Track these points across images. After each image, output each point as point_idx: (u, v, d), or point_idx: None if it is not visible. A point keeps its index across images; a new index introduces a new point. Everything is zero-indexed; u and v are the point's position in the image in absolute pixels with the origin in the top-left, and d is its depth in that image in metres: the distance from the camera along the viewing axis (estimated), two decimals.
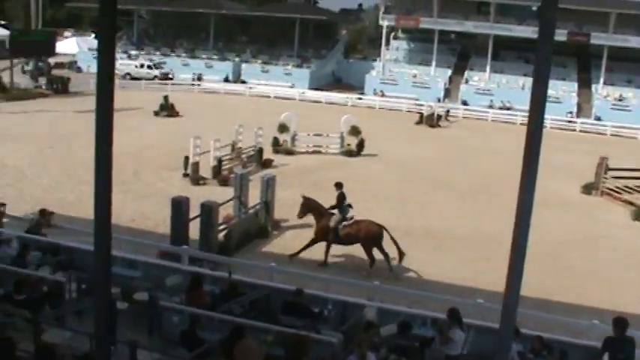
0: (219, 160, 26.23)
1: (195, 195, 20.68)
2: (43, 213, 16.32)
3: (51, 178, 24.98)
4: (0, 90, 46.27)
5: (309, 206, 17.28)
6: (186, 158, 25.65)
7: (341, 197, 17.23)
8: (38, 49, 50.31)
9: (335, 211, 17.10)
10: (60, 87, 51.04)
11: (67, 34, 78.23)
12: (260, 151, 29.37)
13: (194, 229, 16.88)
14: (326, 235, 17.01)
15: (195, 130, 29.93)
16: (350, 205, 17.21)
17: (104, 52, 5.68)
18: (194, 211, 17.13)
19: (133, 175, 25.85)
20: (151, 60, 65.15)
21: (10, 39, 50.52)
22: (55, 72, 57.51)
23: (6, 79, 47.47)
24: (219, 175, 25.66)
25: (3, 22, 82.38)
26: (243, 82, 62.83)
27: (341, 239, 16.95)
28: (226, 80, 62.59)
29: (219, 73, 64.00)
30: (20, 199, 21.67)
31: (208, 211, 16.79)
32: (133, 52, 67.97)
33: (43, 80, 52.24)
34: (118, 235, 12.37)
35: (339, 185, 17.43)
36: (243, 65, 65.75)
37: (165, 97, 43.25)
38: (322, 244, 17.07)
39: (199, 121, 39.73)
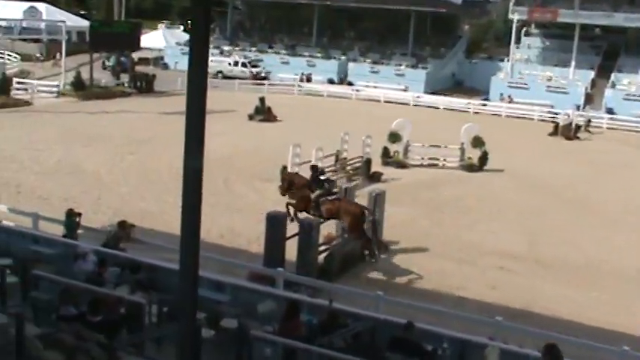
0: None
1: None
2: (123, 225, 16.77)
3: (131, 187, 25.88)
4: (78, 87, 48.43)
5: (289, 180, 19.65)
6: (284, 168, 25.83)
7: (314, 176, 19.30)
8: (121, 43, 52.27)
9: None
10: (144, 85, 53.03)
11: (160, 26, 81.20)
12: (368, 162, 29.30)
13: (291, 249, 17.04)
14: (306, 205, 18.80)
15: (294, 137, 30.32)
16: (329, 180, 19.97)
17: (196, 46, 5.67)
18: (291, 228, 17.20)
19: (223, 185, 26.34)
20: (245, 57, 66.55)
21: (89, 31, 52.91)
22: (139, 68, 59.83)
23: (85, 76, 49.59)
24: None
25: (82, 12, 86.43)
26: (350, 83, 63.09)
27: (320, 212, 18.57)
28: (331, 82, 62.99)
29: (322, 72, 64.54)
30: (97, 208, 22.56)
31: (308, 229, 16.81)
32: (226, 48, 69.62)
33: (125, 77, 54.30)
34: (205, 252, 12.38)
35: (313, 168, 19.89)
36: (350, 64, 66.00)
37: (261, 100, 44.02)
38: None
39: (299, 126, 40.25)
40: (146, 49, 68.10)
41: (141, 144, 33.58)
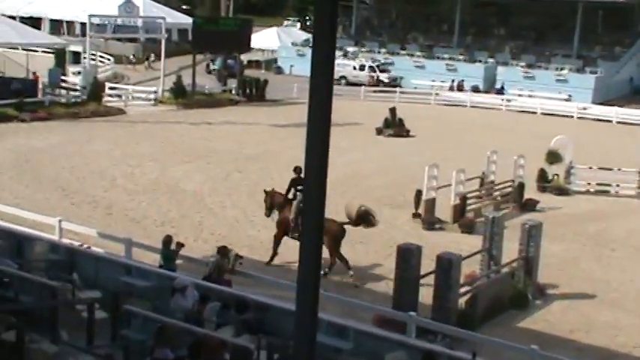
0: (463, 198, 26.15)
1: (429, 243, 20.88)
2: (224, 251, 17.12)
3: (238, 210, 26.51)
4: (178, 94, 49.98)
5: (272, 201, 20.70)
6: (418, 193, 25.77)
7: (292, 183, 20.35)
8: (228, 43, 53.30)
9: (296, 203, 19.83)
10: (254, 92, 54.20)
11: (286, 22, 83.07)
12: (520, 187, 28.85)
13: (426, 290, 17.00)
14: (287, 228, 20.02)
15: (430, 156, 30.38)
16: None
17: (320, 47, 5.70)
18: (426, 265, 17.16)
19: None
20: (373, 60, 67.06)
21: (192, 29, 54.56)
22: (249, 72, 61.09)
23: (186, 81, 51.11)
24: (463, 218, 25.67)
25: (184, 7, 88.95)
26: (500, 91, 62.40)
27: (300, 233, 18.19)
28: (475, 89, 62.47)
29: (465, 78, 64.09)
30: (198, 234, 23.23)
31: (447, 266, 16.69)
32: (351, 50, 70.48)
33: (232, 83, 55.54)
34: (324, 291, 12.59)
35: (297, 169, 20.00)
36: (500, 69, 65.30)
37: (392, 111, 44.10)
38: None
39: (436, 143, 40.29)
40: (257, 50, 69.90)
41: (250, 161, 34.32)
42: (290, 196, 20.62)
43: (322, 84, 5.79)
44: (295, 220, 19.75)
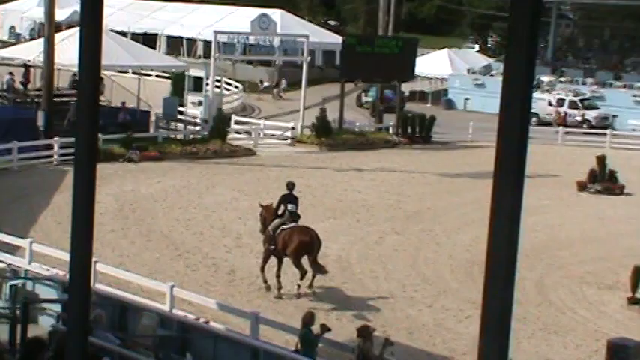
0: None
1: None
2: (365, 332, 16.93)
3: (394, 283, 26.57)
4: (322, 132, 50.22)
5: (264, 217, 25.62)
6: (637, 271, 25.13)
7: (282, 199, 25.43)
8: (386, 69, 53.11)
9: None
10: (418, 132, 54.10)
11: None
12: None
13: None
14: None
15: None
16: (293, 213, 25.14)
17: (515, 74, 5.62)
18: None
19: (534, 289, 26.33)
20: (575, 93, 65.85)
21: (342, 50, 55.31)
22: (411, 106, 61.63)
23: (332, 115, 51.62)
24: None
25: (333, 22, 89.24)
26: None
27: (276, 244, 24.68)
28: None
29: None
30: (342, 312, 23.35)
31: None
32: (545, 79, 69.59)
33: (390, 120, 55.56)
34: None
35: (289, 185, 25.58)
36: None
37: (601, 160, 43.07)
38: None
39: None
40: (422, 78, 69.87)
41: (410, 220, 34.31)
42: (280, 212, 25.24)
43: (515, 123, 5.74)
44: (274, 229, 24.83)
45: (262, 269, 24.94)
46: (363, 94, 66.25)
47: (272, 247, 24.72)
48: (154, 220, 31.97)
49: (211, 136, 46.16)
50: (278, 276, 24.55)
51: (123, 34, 65.13)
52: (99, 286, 20.50)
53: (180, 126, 49.41)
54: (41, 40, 45.91)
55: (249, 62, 64.29)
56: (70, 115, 42.24)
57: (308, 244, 24.40)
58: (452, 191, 39.77)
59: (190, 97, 53.24)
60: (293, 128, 51.19)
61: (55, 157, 40.62)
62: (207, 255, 27.90)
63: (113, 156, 40.79)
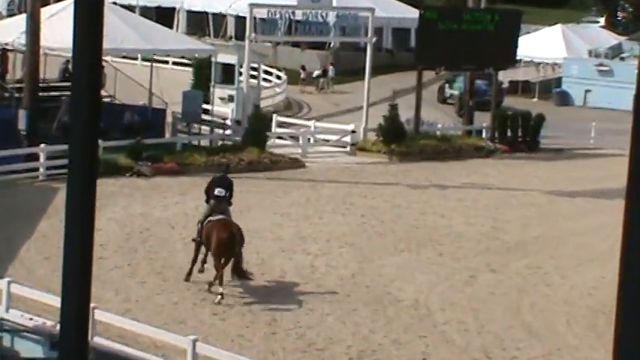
0: None
1: None
2: None
3: (490, 338, 26.38)
4: (392, 137, 50.10)
5: None
6: None
7: (210, 184, 29.44)
8: (478, 52, 52.80)
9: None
10: (521, 136, 54.09)
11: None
12: None
13: None
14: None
15: None
16: (219, 197, 28.80)
17: None
18: None
19: None
20: None
21: (418, 27, 55.37)
22: (510, 102, 61.76)
23: (406, 114, 51.77)
24: None
25: None
26: None
27: (201, 236, 28.58)
28: None
29: None
30: None
31: None
32: None
33: (484, 120, 55.58)
34: None
35: (221, 166, 30.63)
36: None
37: None
38: None
39: None
40: (527, 63, 70.09)
41: (511, 252, 34.38)
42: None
43: None
44: (203, 219, 28.75)
45: (193, 262, 28.90)
46: (447, 85, 66.71)
47: (199, 239, 28.76)
48: (170, 253, 32.12)
49: (246, 142, 46.20)
50: (201, 270, 28.73)
51: (130, 8, 65.44)
52: (98, 341, 20.58)
53: (206, 129, 49.61)
54: (23, 17, 45.89)
55: (296, 45, 63.93)
56: (61, 115, 42.39)
57: (227, 243, 27.77)
58: (567, 215, 39.71)
59: (218, 92, 52.77)
60: (354, 132, 51.03)
61: (41, 170, 40.75)
62: (240, 299, 27.96)
63: (117, 169, 41.00)
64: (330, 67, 66.21)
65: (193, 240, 29.35)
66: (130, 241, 32.80)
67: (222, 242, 27.63)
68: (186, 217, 35.87)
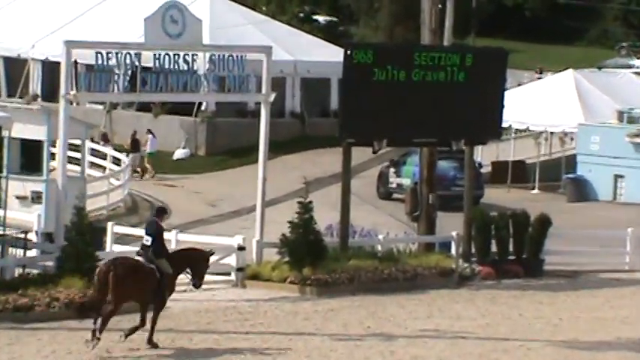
0: None
1: None
2: None
3: None
4: (302, 254, 49.67)
5: None
6: None
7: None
8: (442, 118, 53.00)
9: None
10: (515, 252, 55.06)
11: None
12: None
13: None
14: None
15: None
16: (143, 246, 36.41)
17: None
18: None
19: None
20: None
21: (343, 75, 54.22)
22: (493, 194, 64.58)
23: (325, 218, 52.61)
24: None
25: (322, 18, 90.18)
26: None
27: None
28: None
29: None
30: None
31: None
32: None
33: (454, 228, 56.04)
34: None
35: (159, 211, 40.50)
36: None
37: None
38: None
39: None
40: (520, 132, 70.13)
41: None
42: None
43: None
44: None
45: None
46: (392, 171, 66.58)
47: None
48: None
49: (63, 270, 44.72)
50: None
51: None
52: None
53: None
54: None
55: (145, 107, 62.91)
56: None
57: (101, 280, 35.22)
58: None
59: (15, 186, 51.91)
60: (242, 249, 50.28)
61: None
62: None
63: None
64: (150, 136, 65.27)
65: None
66: None
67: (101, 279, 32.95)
68: None
